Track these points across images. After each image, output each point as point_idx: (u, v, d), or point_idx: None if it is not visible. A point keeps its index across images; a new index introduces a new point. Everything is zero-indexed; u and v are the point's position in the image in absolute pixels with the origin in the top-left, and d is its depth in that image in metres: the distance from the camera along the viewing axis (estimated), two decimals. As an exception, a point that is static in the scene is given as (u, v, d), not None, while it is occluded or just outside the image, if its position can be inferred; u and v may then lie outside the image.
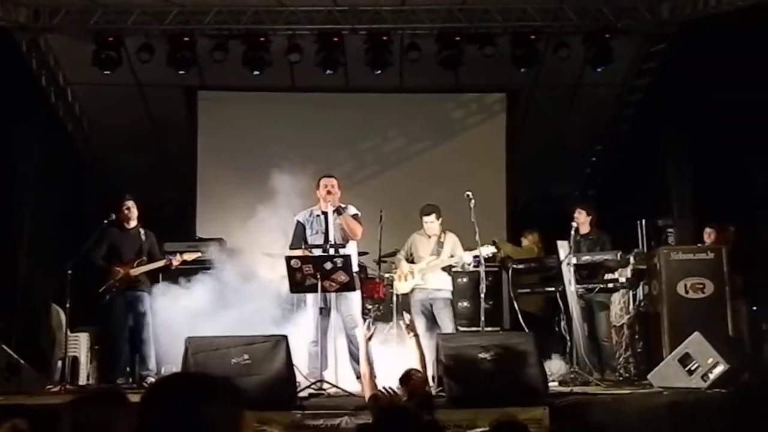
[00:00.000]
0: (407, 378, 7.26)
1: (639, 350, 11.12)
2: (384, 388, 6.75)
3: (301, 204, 13.06)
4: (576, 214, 11.14)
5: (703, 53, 12.76)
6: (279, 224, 13.21)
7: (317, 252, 9.53)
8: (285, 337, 8.32)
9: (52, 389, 9.45)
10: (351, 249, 9.70)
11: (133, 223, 10.46)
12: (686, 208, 13.88)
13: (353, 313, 9.57)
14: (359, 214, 9.93)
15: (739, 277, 10.78)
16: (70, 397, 3.80)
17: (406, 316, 8.47)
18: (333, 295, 9.43)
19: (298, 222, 9.91)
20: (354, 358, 9.17)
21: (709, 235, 11.16)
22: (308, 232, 9.82)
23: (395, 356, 10.99)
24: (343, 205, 9.70)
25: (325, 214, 9.71)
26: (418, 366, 7.59)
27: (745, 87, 11.96)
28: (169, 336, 9.67)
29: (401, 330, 11.50)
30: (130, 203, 10.43)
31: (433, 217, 10.52)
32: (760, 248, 11.69)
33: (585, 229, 11.20)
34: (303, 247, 9.72)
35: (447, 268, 10.57)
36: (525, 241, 13.02)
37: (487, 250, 10.28)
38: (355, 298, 9.62)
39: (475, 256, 10.38)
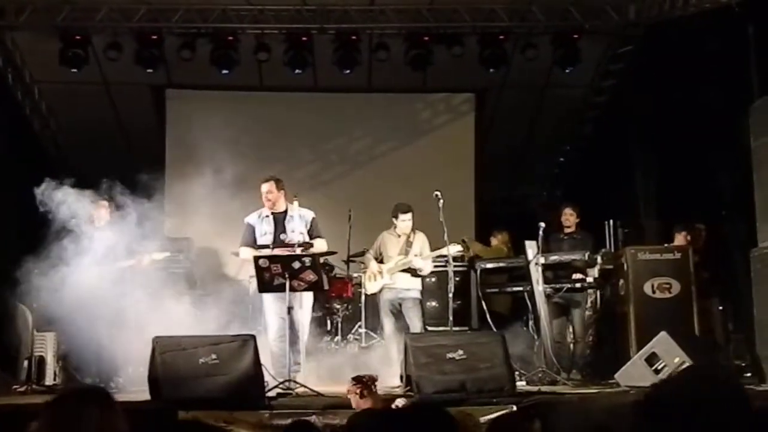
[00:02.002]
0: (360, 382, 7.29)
1: (606, 350, 11.18)
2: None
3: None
4: (568, 215, 11.25)
5: (669, 55, 12.87)
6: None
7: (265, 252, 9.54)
8: (253, 337, 8.32)
9: (18, 389, 9.38)
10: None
11: (102, 222, 10.39)
12: (652, 208, 13.99)
13: (308, 305, 9.67)
14: (315, 217, 9.97)
15: (710, 276, 10.90)
16: (43, 397, 3.79)
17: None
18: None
19: (248, 224, 9.95)
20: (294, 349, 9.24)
21: (684, 237, 11.21)
22: (257, 233, 9.87)
23: (364, 356, 11.06)
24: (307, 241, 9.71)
25: (273, 215, 9.80)
26: None
27: (709, 89, 12.05)
28: (136, 336, 9.61)
29: (368, 330, 11.58)
30: (103, 203, 10.36)
31: (410, 215, 10.52)
32: (725, 248, 11.78)
33: (570, 228, 11.31)
34: (255, 248, 9.78)
35: (411, 271, 10.57)
36: (494, 241, 13.06)
37: (455, 249, 10.30)
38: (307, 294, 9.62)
39: (440, 256, 10.44)
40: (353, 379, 7.48)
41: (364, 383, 7.36)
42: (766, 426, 2.64)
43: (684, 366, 8.75)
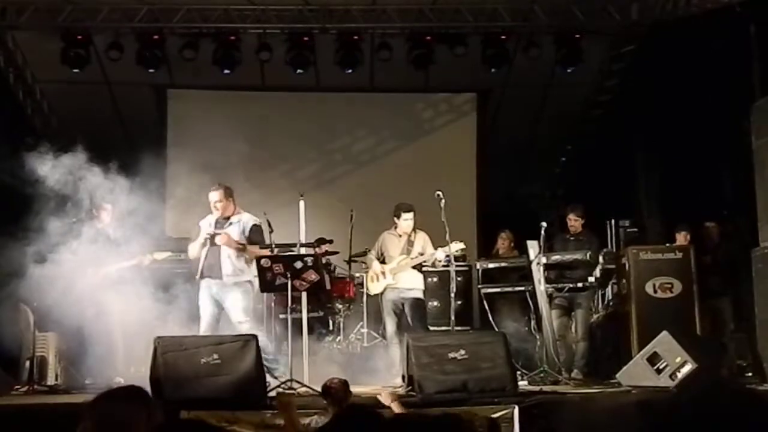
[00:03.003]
0: (327, 390, 7.19)
1: (608, 349, 11.17)
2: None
3: (272, 202, 13.08)
4: (573, 221, 11.22)
5: (671, 55, 12.86)
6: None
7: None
8: (254, 337, 8.33)
9: (20, 390, 9.38)
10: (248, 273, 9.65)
11: (104, 223, 10.38)
12: (654, 207, 13.99)
13: (238, 305, 9.49)
14: (259, 223, 9.86)
15: (722, 275, 10.94)
16: (45, 398, 3.85)
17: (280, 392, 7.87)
18: (214, 288, 9.55)
19: (200, 226, 9.87)
20: None
21: (685, 237, 11.22)
22: (201, 237, 9.78)
23: (366, 356, 11.06)
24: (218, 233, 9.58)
25: (217, 221, 9.73)
26: None
27: (711, 88, 12.05)
28: (137, 336, 9.62)
29: (370, 330, 11.57)
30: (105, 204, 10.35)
31: (412, 214, 10.47)
32: (731, 247, 11.77)
33: (576, 230, 11.31)
34: None
35: (418, 267, 10.55)
36: (501, 243, 12.85)
37: (457, 246, 10.27)
38: (239, 291, 9.54)
39: (448, 255, 10.39)
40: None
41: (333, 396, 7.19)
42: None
43: (687, 369, 8.76)
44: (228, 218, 9.68)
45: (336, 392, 7.13)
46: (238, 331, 9.18)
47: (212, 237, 9.51)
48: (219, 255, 9.52)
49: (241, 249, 9.51)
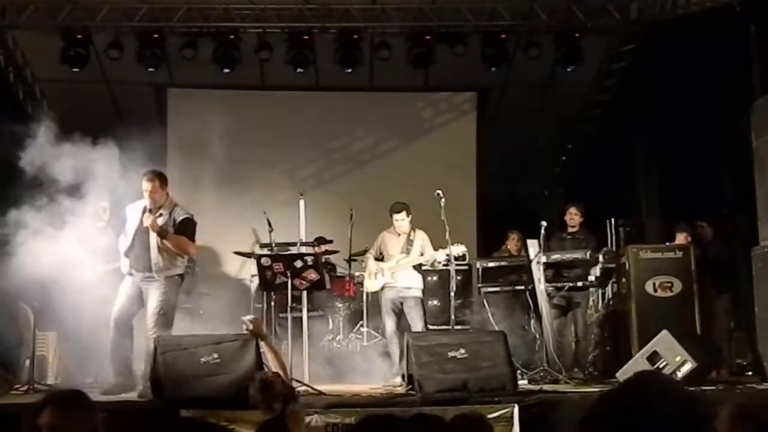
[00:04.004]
0: (267, 388, 6.56)
1: (608, 348, 11.17)
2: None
3: (272, 201, 13.10)
4: (573, 215, 11.26)
5: (671, 54, 12.87)
6: (249, 222, 13.23)
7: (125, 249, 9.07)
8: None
9: (20, 389, 9.37)
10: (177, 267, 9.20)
11: (102, 222, 10.38)
12: (654, 206, 13.99)
13: (155, 305, 8.95)
14: (190, 216, 9.27)
15: (716, 274, 10.95)
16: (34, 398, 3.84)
17: (245, 317, 7.61)
18: (138, 288, 9.05)
19: (126, 211, 9.28)
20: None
21: (686, 238, 11.22)
22: (128, 223, 9.22)
23: (366, 355, 11.06)
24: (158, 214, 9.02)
25: (144, 208, 9.10)
26: (276, 368, 6.89)
27: (711, 87, 12.06)
28: (137, 336, 9.61)
29: (370, 329, 11.57)
30: (103, 203, 10.34)
31: (403, 214, 10.48)
32: (729, 246, 11.79)
33: (574, 228, 11.31)
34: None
35: (417, 266, 10.55)
36: (511, 244, 12.81)
37: (458, 249, 10.28)
38: (157, 291, 8.99)
39: (448, 255, 10.38)
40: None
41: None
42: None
43: (687, 368, 8.78)
44: (159, 208, 9.07)
45: (276, 387, 6.55)
46: (148, 326, 8.83)
47: (141, 221, 8.92)
48: (148, 246, 8.98)
49: (162, 236, 8.89)
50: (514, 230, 12.67)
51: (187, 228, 9.14)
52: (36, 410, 3.60)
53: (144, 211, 8.99)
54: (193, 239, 9.24)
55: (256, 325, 7.14)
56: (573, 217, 11.38)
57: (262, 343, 7.12)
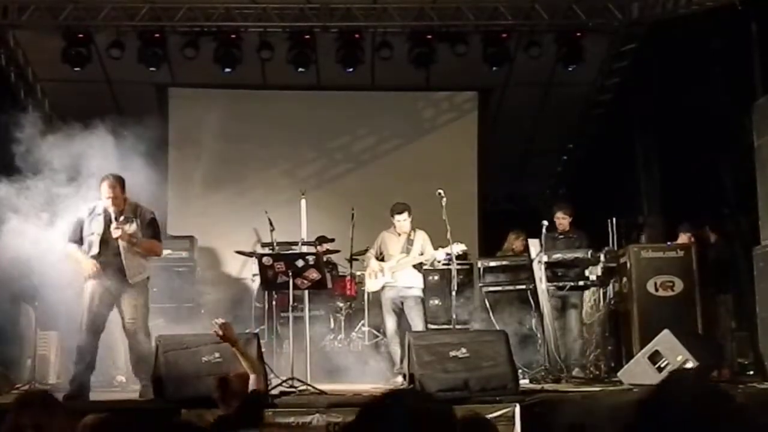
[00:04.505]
0: (224, 386, 6.33)
1: (609, 348, 11.17)
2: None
3: (273, 201, 13.09)
4: (560, 219, 11.27)
5: (672, 53, 12.86)
6: (250, 222, 13.23)
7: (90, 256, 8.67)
8: (256, 335, 8.33)
9: (21, 389, 9.37)
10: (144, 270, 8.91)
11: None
12: (655, 206, 13.98)
13: (135, 304, 8.72)
14: (155, 216, 9.03)
15: (718, 274, 10.94)
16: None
17: (216, 320, 7.07)
18: (103, 287, 8.62)
19: (78, 219, 8.79)
20: (139, 358, 8.73)
21: (689, 239, 11.22)
22: (85, 231, 8.74)
23: (367, 354, 11.07)
24: (125, 217, 8.71)
25: (105, 214, 8.68)
26: (249, 371, 6.63)
27: (712, 87, 12.05)
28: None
29: (371, 328, 11.57)
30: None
31: (405, 215, 10.48)
32: (730, 246, 11.78)
33: (564, 228, 11.32)
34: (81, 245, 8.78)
35: (418, 266, 10.55)
36: (516, 244, 12.79)
37: (458, 248, 10.28)
38: (132, 299, 8.71)
39: (447, 254, 10.37)
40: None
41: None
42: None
43: (688, 364, 8.78)
44: (121, 212, 8.72)
45: (232, 385, 6.51)
46: (127, 331, 8.70)
47: (109, 231, 8.58)
48: (118, 252, 8.64)
49: (134, 244, 8.65)
50: (516, 229, 12.65)
51: (155, 228, 8.92)
52: (17, 410, 3.61)
53: (106, 217, 8.66)
54: (159, 238, 9.04)
55: (227, 329, 6.72)
56: (561, 221, 11.39)
57: (233, 350, 6.88)
